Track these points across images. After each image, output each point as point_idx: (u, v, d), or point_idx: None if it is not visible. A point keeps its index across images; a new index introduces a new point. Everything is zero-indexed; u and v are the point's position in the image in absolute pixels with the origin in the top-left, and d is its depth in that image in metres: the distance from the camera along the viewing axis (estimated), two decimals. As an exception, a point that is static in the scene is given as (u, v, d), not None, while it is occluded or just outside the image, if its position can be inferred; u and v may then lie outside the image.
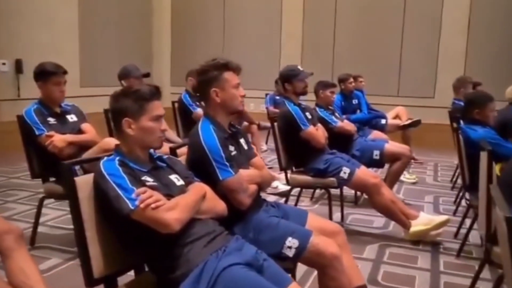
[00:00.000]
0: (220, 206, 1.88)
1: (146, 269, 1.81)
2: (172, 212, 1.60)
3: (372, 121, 5.80)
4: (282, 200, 3.94)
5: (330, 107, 4.40)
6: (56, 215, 3.79)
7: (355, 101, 5.61)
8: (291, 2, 8.64)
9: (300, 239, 2.01)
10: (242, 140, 2.29)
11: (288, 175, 3.71)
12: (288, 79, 3.62)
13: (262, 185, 2.27)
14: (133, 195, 1.59)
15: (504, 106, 4.25)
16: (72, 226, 1.78)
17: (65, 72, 3.22)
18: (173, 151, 2.14)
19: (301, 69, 3.65)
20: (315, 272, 2.19)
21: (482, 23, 7.57)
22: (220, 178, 2.02)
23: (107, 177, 1.63)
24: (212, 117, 2.16)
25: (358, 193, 4.43)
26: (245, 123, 6.02)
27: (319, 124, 3.76)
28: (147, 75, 4.01)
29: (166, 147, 2.14)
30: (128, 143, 1.78)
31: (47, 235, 3.38)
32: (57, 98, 3.20)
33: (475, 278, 2.53)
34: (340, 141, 4.17)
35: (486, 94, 3.51)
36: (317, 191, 4.52)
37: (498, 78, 7.10)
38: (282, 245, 2.01)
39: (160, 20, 9.43)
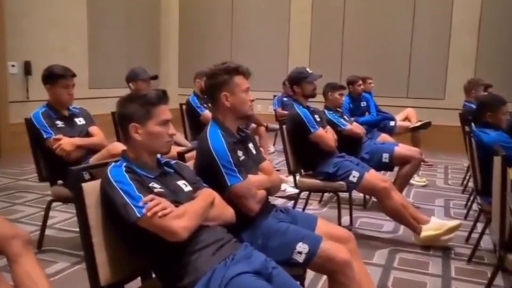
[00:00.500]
0: (228, 213, 1.85)
1: (153, 276, 1.79)
2: (179, 220, 1.57)
3: (381, 123, 5.75)
4: (291, 203, 3.91)
5: (338, 110, 4.36)
6: (64, 217, 3.78)
7: (363, 103, 5.56)
8: (300, 3, 8.60)
9: (311, 244, 1.97)
10: (250, 145, 2.26)
11: (297, 178, 3.67)
12: (297, 82, 3.59)
13: (271, 191, 2.24)
14: (140, 203, 1.56)
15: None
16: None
17: (73, 75, 3.21)
18: (181, 156, 2.11)
19: (310, 71, 3.61)
20: (324, 278, 2.16)
21: (493, 23, 7.49)
22: (229, 183, 1.99)
23: (114, 184, 1.60)
24: (220, 122, 2.13)
25: (367, 196, 4.38)
26: (253, 125, 5.99)
27: (328, 127, 3.72)
28: (155, 77, 3.99)
29: (174, 150, 2.12)
30: (136, 148, 1.76)
31: (55, 238, 3.37)
32: (65, 101, 3.19)
33: (488, 286, 2.48)
34: (349, 144, 4.12)
35: (499, 97, 3.45)
36: (326, 194, 4.47)
37: (509, 79, 7.04)
38: (292, 251, 1.97)
39: (168, 21, 9.43)
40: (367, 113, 5.55)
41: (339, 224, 3.56)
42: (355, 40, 8.24)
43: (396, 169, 4.35)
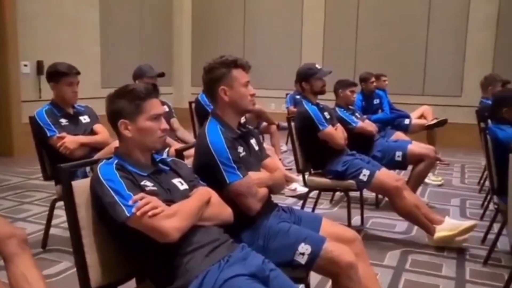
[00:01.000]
0: (225, 212, 1.77)
1: (149, 277, 1.73)
2: (171, 220, 1.50)
3: (395, 121, 5.62)
4: (301, 202, 3.82)
5: (350, 107, 4.25)
6: (71, 217, 3.74)
7: (376, 101, 5.43)
8: (312, 0, 8.48)
9: (313, 245, 1.89)
10: (253, 141, 2.18)
11: (306, 177, 3.58)
12: (306, 78, 3.49)
13: (274, 189, 2.15)
14: (130, 202, 1.50)
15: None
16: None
17: (77, 73, 3.17)
18: (179, 153, 2.04)
19: (319, 67, 3.52)
20: (330, 282, 2.07)
21: (512, 18, 7.28)
22: (227, 181, 1.92)
23: (104, 182, 1.54)
24: (220, 117, 2.06)
25: (380, 195, 4.27)
26: (264, 124, 5.91)
27: (338, 124, 3.62)
28: (161, 74, 3.93)
29: (177, 146, 2.06)
30: (127, 145, 1.70)
31: (59, 237, 3.33)
32: (69, 99, 3.16)
33: (505, 289, 2.37)
34: (360, 142, 4.03)
35: (515, 92, 3.31)
36: (337, 193, 4.37)
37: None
38: (294, 252, 1.89)
39: (180, 20, 9.41)
40: (380, 111, 5.42)
41: (349, 224, 3.45)
42: (369, 37, 8.08)
43: (410, 168, 4.23)
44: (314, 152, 3.54)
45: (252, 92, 2.06)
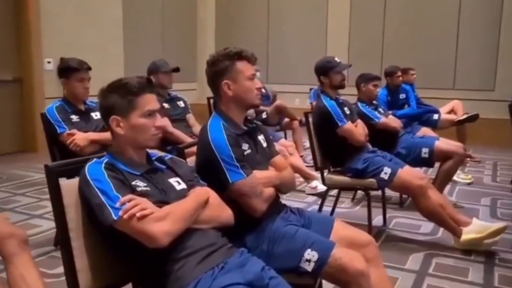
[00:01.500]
0: (225, 214, 1.65)
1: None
2: (160, 224, 1.39)
3: (423, 117, 5.39)
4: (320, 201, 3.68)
5: (373, 102, 4.07)
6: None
7: (402, 96, 5.21)
8: (338, -7, 8.28)
9: (320, 251, 1.76)
10: (260, 137, 2.06)
11: (325, 175, 3.44)
12: (324, 72, 3.34)
13: (282, 188, 2.03)
14: (117, 204, 1.40)
15: None
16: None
17: (89, 68, 3.12)
18: (180, 151, 1.94)
19: (338, 60, 3.36)
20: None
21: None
22: (230, 181, 1.80)
23: (91, 182, 1.45)
24: (224, 113, 1.94)
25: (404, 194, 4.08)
26: (286, 119, 5.77)
27: (359, 120, 3.46)
28: (176, 69, 3.85)
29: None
30: (119, 143, 1.60)
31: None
32: (80, 95, 3.10)
33: (535, 298, 2.17)
34: (384, 138, 3.85)
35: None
36: (359, 191, 4.20)
37: None
38: (300, 258, 1.76)
39: (204, 15, 9.33)
40: (406, 106, 5.20)
41: (370, 224, 3.31)
42: (397, 29, 7.80)
43: (437, 165, 4.03)
44: (333, 149, 3.39)
45: (258, 85, 1.93)
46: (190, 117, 3.83)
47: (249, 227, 1.86)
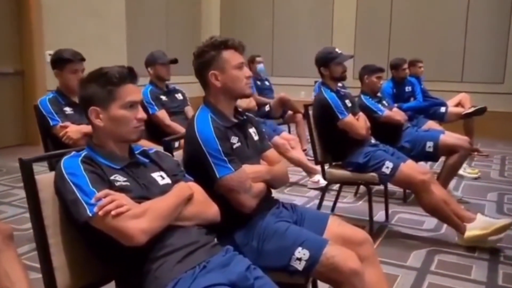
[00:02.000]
0: (210, 211, 1.57)
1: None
2: (137, 221, 1.32)
3: (430, 110, 5.27)
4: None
5: (377, 94, 3.97)
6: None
7: (408, 88, 5.08)
8: (344, -16, 8.14)
9: (312, 249, 1.68)
10: (252, 130, 1.97)
11: (325, 169, 3.35)
12: (325, 63, 3.25)
13: (274, 184, 1.94)
14: (93, 200, 1.32)
15: None
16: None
17: (82, 59, 3.05)
18: (167, 144, 1.86)
19: (339, 51, 3.26)
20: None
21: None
22: (218, 175, 1.72)
23: (66, 176, 1.37)
24: (212, 105, 1.86)
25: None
26: (290, 112, 5.68)
27: (360, 113, 3.36)
28: (174, 61, 3.77)
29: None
30: (99, 135, 1.53)
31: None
32: (74, 87, 3.00)
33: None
34: (387, 131, 3.76)
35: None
36: (362, 186, 4.11)
37: None
38: (291, 257, 1.68)
39: (208, 8, 9.23)
40: (412, 99, 5.08)
41: (371, 220, 3.23)
42: (404, 21, 7.65)
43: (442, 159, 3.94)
44: (333, 142, 3.30)
45: (248, 74, 1.85)
46: (189, 110, 3.75)
47: (238, 224, 1.78)
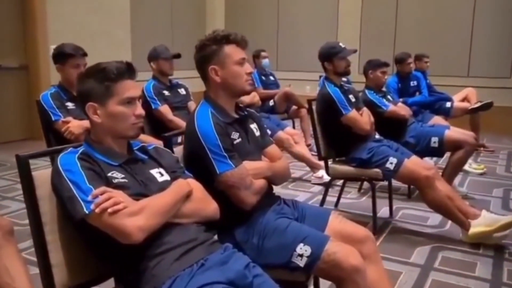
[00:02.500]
0: (209, 208, 1.55)
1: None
2: (134, 218, 1.30)
3: (435, 105, 5.23)
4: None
5: (381, 89, 3.94)
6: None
7: (413, 83, 5.04)
8: (350, -23, 8.06)
9: (314, 246, 1.66)
10: (253, 126, 1.95)
11: (329, 164, 3.33)
12: (328, 58, 3.22)
13: (275, 180, 1.92)
14: (89, 197, 1.31)
15: None
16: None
17: (84, 54, 3.03)
18: (166, 140, 1.84)
19: (342, 45, 3.23)
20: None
21: None
22: (218, 171, 1.70)
23: (63, 173, 1.36)
24: (212, 100, 1.83)
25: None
26: (294, 107, 5.65)
27: (364, 108, 3.33)
28: (177, 56, 3.75)
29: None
30: (97, 132, 1.51)
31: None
32: (76, 82, 3.01)
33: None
34: (392, 126, 3.73)
35: None
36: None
37: None
38: (292, 253, 1.67)
39: (213, 2, 9.18)
40: (417, 94, 5.03)
41: (374, 216, 3.20)
42: (410, 15, 7.57)
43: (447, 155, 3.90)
44: (337, 138, 3.27)
45: (249, 70, 1.82)
46: (192, 105, 3.72)
47: (238, 220, 1.76)
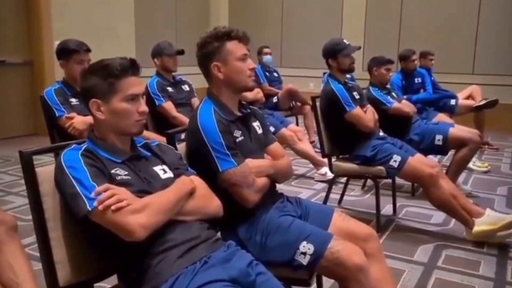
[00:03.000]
0: (212, 205, 1.55)
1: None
2: (137, 216, 1.30)
3: (440, 102, 5.21)
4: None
5: (386, 86, 3.92)
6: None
7: (418, 80, 5.02)
8: (355, -27, 8.02)
9: (317, 244, 1.65)
10: (256, 124, 1.94)
11: (332, 161, 3.32)
12: (332, 54, 3.20)
13: (278, 178, 1.92)
14: (93, 194, 1.31)
15: None
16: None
17: (88, 50, 3.03)
18: (170, 137, 1.84)
19: (347, 42, 3.21)
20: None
21: None
22: (220, 169, 1.70)
23: (66, 170, 1.35)
24: (215, 97, 1.83)
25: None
26: (298, 104, 5.64)
27: (368, 105, 3.32)
28: (181, 52, 3.73)
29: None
30: (101, 128, 1.50)
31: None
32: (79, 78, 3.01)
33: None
34: (396, 124, 3.72)
35: None
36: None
37: None
38: (295, 251, 1.67)
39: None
40: (422, 91, 5.02)
41: (378, 213, 3.19)
42: (414, 11, 7.54)
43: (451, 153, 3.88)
44: (340, 135, 3.26)
45: (251, 66, 1.81)
46: (195, 102, 3.71)
47: (241, 218, 1.76)
